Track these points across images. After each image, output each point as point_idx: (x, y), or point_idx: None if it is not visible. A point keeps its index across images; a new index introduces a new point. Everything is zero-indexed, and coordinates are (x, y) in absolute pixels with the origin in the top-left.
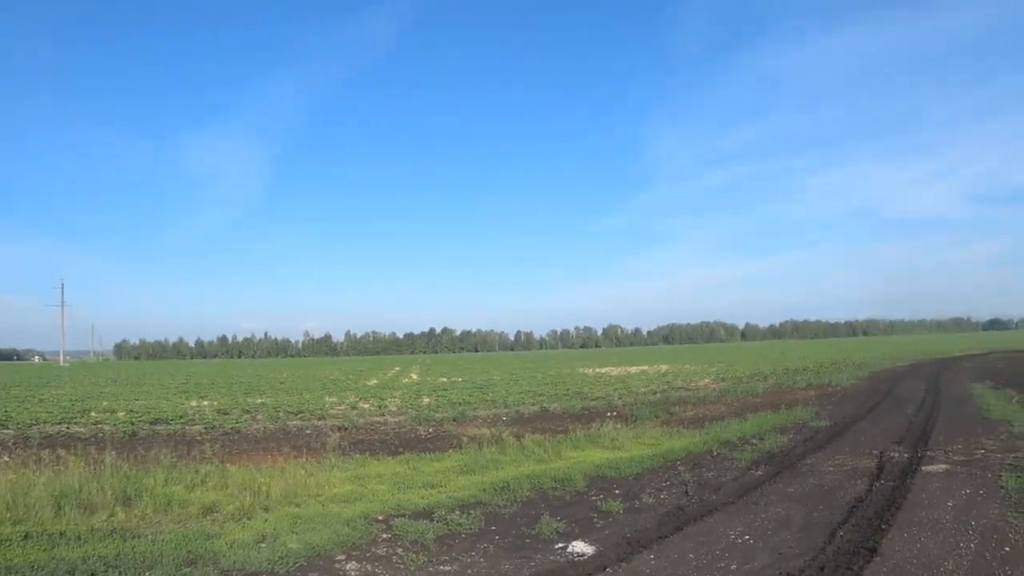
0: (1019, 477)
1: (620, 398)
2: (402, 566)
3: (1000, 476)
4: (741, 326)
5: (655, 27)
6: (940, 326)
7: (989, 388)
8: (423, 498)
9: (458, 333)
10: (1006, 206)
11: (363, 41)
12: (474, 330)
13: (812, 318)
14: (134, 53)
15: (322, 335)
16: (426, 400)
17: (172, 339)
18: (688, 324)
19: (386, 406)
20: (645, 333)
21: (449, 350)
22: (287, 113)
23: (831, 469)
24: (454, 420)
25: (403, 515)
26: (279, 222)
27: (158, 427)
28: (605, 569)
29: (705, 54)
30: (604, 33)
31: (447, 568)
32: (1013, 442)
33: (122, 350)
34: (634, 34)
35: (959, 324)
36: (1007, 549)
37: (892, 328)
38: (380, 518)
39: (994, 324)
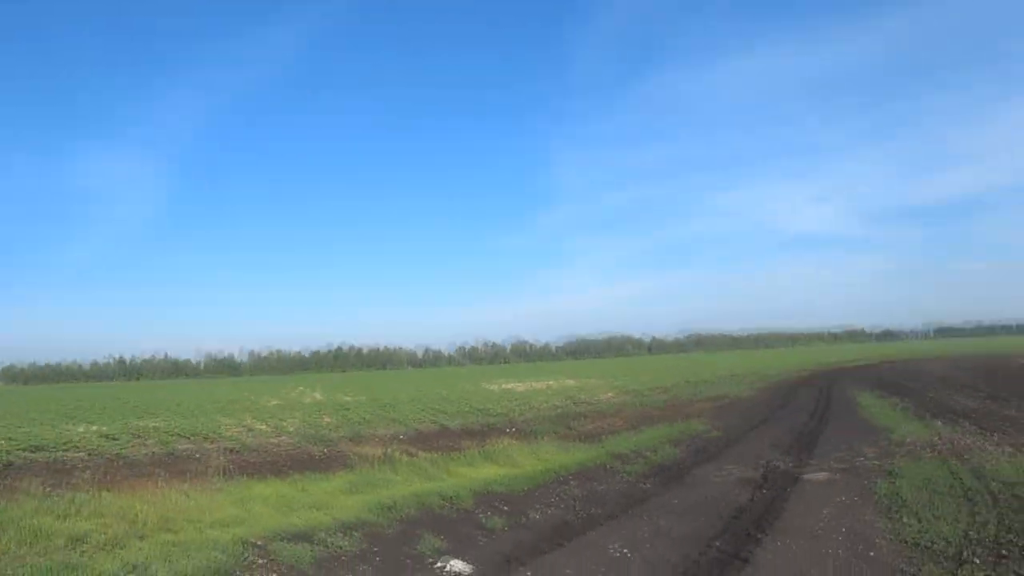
0: (892, 483)
1: (521, 414)
2: None
3: (876, 483)
4: (648, 340)
5: (558, 53)
6: (837, 337)
7: (876, 397)
8: (306, 520)
9: (365, 351)
10: (893, 224)
11: (265, 54)
12: (381, 347)
13: (716, 331)
14: (16, 58)
15: (224, 355)
16: (327, 419)
17: (65, 361)
18: (595, 338)
19: (284, 427)
20: (553, 348)
21: (356, 368)
22: (184, 126)
23: (717, 480)
24: (350, 439)
25: (282, 538)
26: (178, 238)
27: (37, 455)
28: None
29: (606, 80)
30: (508, 59)
31: None
32: (891, 449)
33: (9, 374)
34: (537, 60)
35: (853, 335)
36: (872, 554)
37: (793, 340)
38: (258, 542)
39: (886, 335)
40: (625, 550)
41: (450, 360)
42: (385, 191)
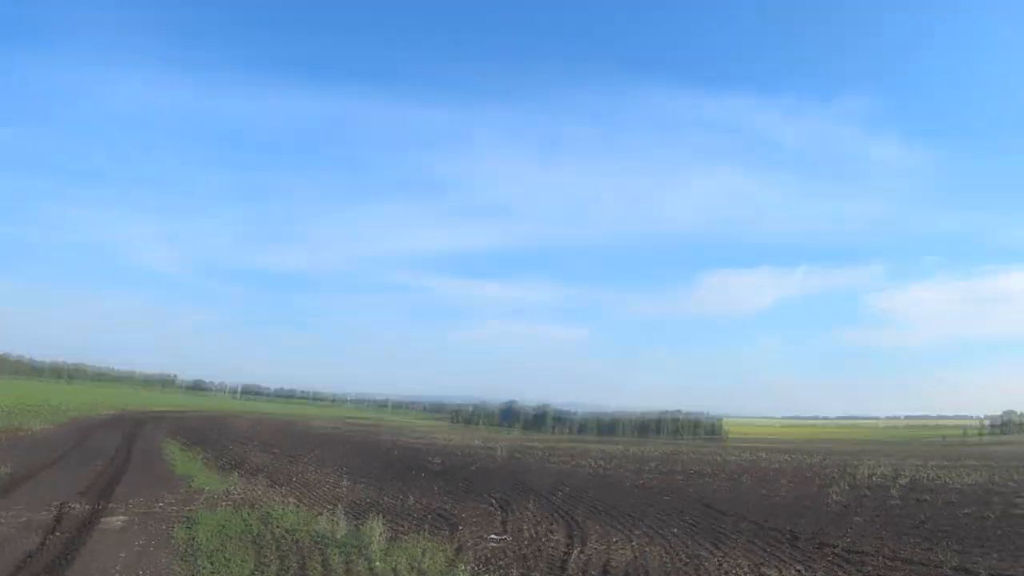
0: (189, 529)
1: None
2: None
3: (174, 528)
4: None
5: None
6: (149, 381)
7: (180, 446)
8: None
9: None
10: (227, 280)
11: None
12: None
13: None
14: None
15: None
16: None
17: None
18: None
19: None
20: None
21: None
22: None
23: (2, 522)
24: None
25: None
26: None
27: None
28: None
29: None
30: None
31: None
32: (191, 496)
33: None
34: None
35: (166, 381)
36: None
37: (100, 376)
38: None
39: (197, 386)
40: None
41: None
42: None
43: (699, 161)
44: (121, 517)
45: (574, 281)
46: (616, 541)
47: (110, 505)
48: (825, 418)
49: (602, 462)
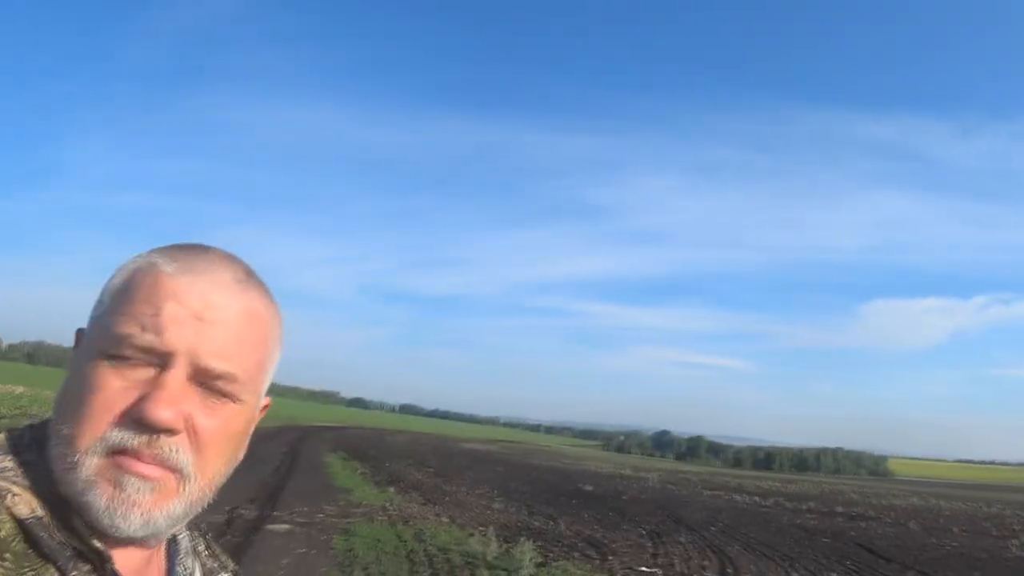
0: (347, 539)
1: None
2: None
3: (332, 538)
4: None
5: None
6: (313, 395)
7: (340, 459)
8: None
9: None
10: (388, 302)
11: None
12: None
13: None
14: None
15: None
16: None
17: None
18: (62, 346)
19: None
20: (5, 345)
21: None
22: None
23: None
24: None
25: None
26: None
27: None
28: None
29: (157, 83)
30: None
31: None
32: (349, 508)
33: None
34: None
35: (328, 396)
36: None
37: (271, 391)
38: None
39: (357, 402)
40: None
41: None
42: None
43: (861, 184)
44: (285, 524)
45: (728, 309)
46: None
47: (275, 512)
48: (1004, 463)
49: (757, 497)
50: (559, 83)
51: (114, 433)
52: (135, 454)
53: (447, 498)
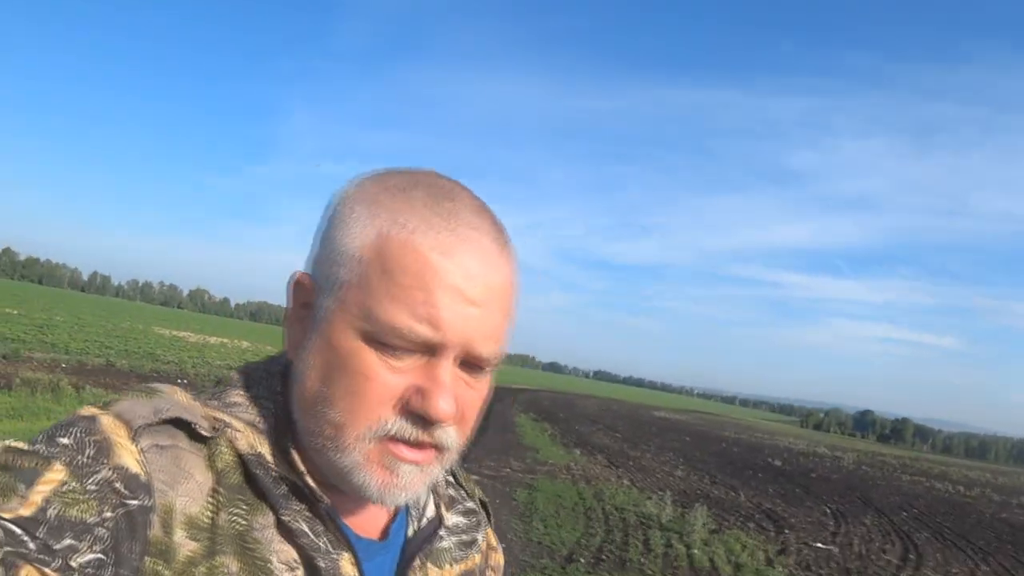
0: (529, 493)
1: (193, 366)
2: None
3: (516, 491)
4: None
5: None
6: (509, 359)
7: (531, 419)
8: None
9: (22, 258)
10: (583, 268)
11: None
12: (42, 259)
13: None
14: None
15: None
16: None
17: None
18: (280, 305)
19: None
20: (233, 305)
21: (7, 276)
22: None
23: None
24: (4, 358)
25: None
26: None
27: None
28: None
29: (362, 59)
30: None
31: None
32: (535, 465)
33: None
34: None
35: (524, 360)
36: (503, 546)
37: None
38: None
39: (552, 367)
40: None
41: (119, 291)
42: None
43: None
44: (474, 476)
45: (943, 282)
46: (956, 573)
47: (465, 465)
48: None
49: (962, 487)
50: (758, 43)
51: (391, 424)
52: (410, 443)
53: (631, 462)
